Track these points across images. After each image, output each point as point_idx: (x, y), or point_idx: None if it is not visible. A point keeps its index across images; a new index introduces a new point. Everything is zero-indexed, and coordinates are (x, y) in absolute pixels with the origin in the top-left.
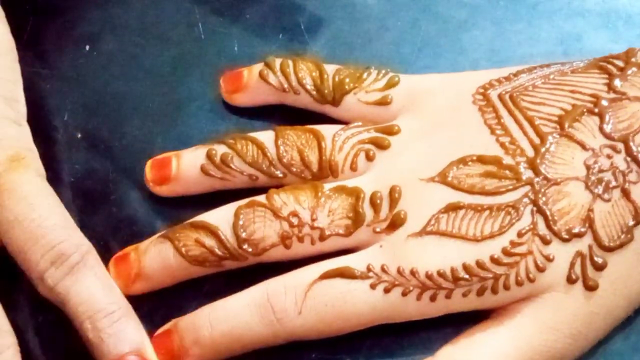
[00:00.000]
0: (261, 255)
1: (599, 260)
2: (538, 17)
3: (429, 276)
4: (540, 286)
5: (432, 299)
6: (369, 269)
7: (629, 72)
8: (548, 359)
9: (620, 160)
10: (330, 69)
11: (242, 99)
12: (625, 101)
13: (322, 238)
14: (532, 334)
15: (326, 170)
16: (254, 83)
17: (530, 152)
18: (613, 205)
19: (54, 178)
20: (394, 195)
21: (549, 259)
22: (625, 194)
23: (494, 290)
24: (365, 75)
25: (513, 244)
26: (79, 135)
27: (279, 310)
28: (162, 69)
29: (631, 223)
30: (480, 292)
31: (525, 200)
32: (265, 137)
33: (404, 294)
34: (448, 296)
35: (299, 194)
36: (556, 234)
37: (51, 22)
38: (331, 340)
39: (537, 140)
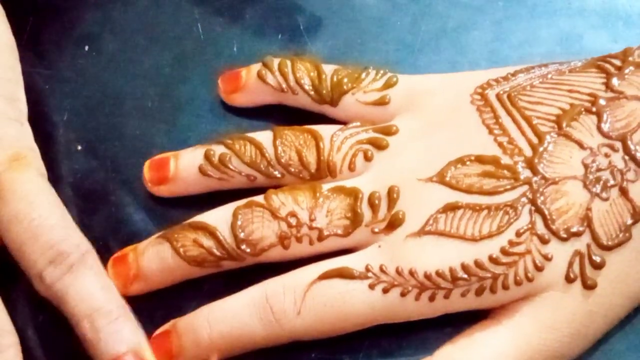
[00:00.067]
0: (259, 255)
1: (598, 259)
2: (538, 17)
3: (427, 276)
4: (539, 285)
5: (431, 299)
6: (367, 269)
7: (627, 71)
8: (547, 358)
9: (618, 159)
10: (328, 69)
11: (240, 99)
12: (622, 100)
13: (321, 238)
14: (531, 333)
15: (324, 170)
16: (252, 83)
17: (528, 152)
18: (611, 204)
19: (53, 178)
20: (392, 196)
21: (547, 258)
22: (624, 192)
23: (493, 290)
24: (363, 75)
25: (511, 243)
26: (79, 136)
27: (278, 310)
28: (162, 69)
29: (629, 222)
30: (479, 292)
31: (524, 199)
32: (264, 137)
33: (403, 294)
34: (447, 296)
35: (297, 195)
36: (554, 233)
37: (51, 22)
38: (330, 340)
39: (535, 140)
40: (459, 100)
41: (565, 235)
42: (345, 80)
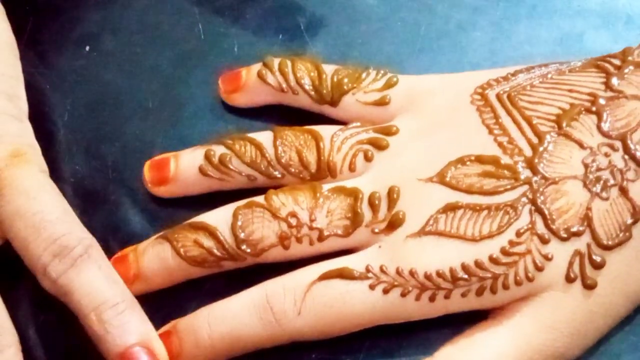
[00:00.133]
0: (260, 255)
1: (598, 259)
2: (538, 17)
3: (427, 276)
4: (539, 285)
5: (431, 299)
6: (367, 270)
7: (626, 70)
8: (548, 358)
9: (618, 159)
10: (328, 69)
11: (240, 99)
12: (622, 99)
13: (321, 239)
14: (531, 333)
15: (324, 170)
16: (252, 83)
17: (528, 152)
18: (611, 204)
19: (54, 178)
20: (392, 196)
21: (547, 258)
22: (624, 192)
23: (493, 290)
24: (363, 75)
25: (512, 243)
26: (79, 136)
27: (278, 311)
28: (162, 69)
29: (630, 221)
30: (479, 292)
31: (524, 199)
32: (264, 137)
33: (403, 295)
34: (447, 296)
35: (297, 195)
36: (555, 233)
37: (51, 22)
38: (331, 340)
39: (535, 140)
40: (459, 101)
41: (565, 235)
42: (346, 80)
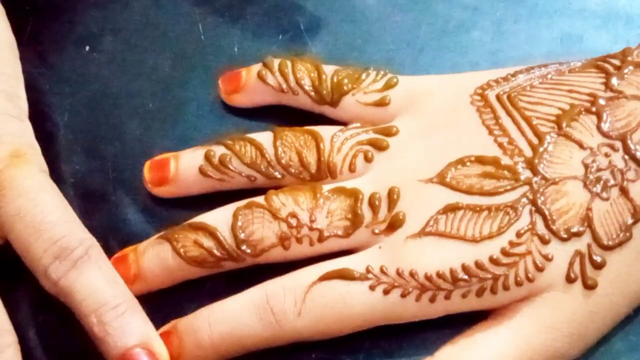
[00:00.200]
0: (260, 256)
1: (598, 259)
2: (538, 17)
3: (428, 277)
4: (540, 286)
5: (432, 300)
6: (368, 271)
7: (626, 70)
8: (548, 359)
9: (618, 159)
10: (328, 69)
11: (240, 100)
12: (622, 100)
13: (321, 239)
14: (531, 333)
15: (325, 171)
16: (252, 83)
17: (528, 152)
18: (612, 204)
19: (54, 178)
20: (392, 197)
21: (547, 259)
22: (624, 192)
23: (493, 291)
24: (363, 76)
25: (512, 244)
26: (79, 136)
27: (278, 311)
28: (162, 69)
29: (630, 221)
30: (480, 293)
31: (524, 200)
32: (264, 138)
33: (403, 296)
34: (447, 297)
35: (297, 195)
36: (555, 234)
37: (51, 22)
38: (331, 340)
39: (535, 140)
40: (459, 101)
41: (565, 236)
42: (346, 80)
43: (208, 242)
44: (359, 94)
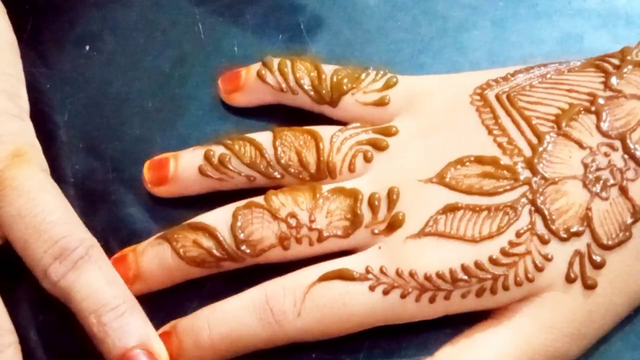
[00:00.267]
0: (259, 256)
1: (598, 259)
2: (538, 17)
3: (427, 278)
4: (539, 286)
5: (431, 300)
6: (367, 271)
7: (625, 70)
8: (548, 358)
9: (617, 158)
10: (328, 69)
11: (240, 99)
12: (621, 99)
13: (321, 239)
14: (531, 333)
15: (324, 171)
16: (251, 83)
17: (527, 152)
18: (611, 204)
19: (54, 177)
20: (392, 197)
21: (547, 259)
22: (623, 191)
23: (493, 291)
24: (363, 75)
25: (511, 244)
26: (79, 135)
27: (278, 312)
28: (162, 69)
29: (629, 221)
30: (479, 293)
31: (523, 200)
32: (263, 138)
33: (403, 296)
34: (447, 297)
35: (297, 195)
36: (554, 233)
37: (51, 22)
38: (331, 340)
39: (534, 140)
40: (459, 101)
41: (565, 235)
42: (345, 80)
43: (207, 242)
44: (358, 93)
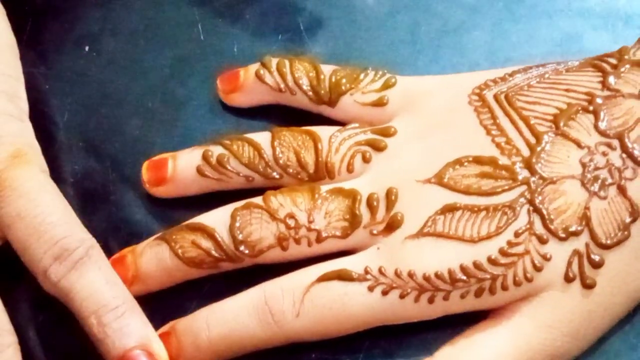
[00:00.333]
0: (258, 257)
1: (596, 258)
2: (538, 17)
3: (426, 278)
4: (538, 285)
5: (430, 300)
6: (366, 271)
7: (623, 69)
8: (547, 358)
9: (615, 157)
10: (327, 69)
11: (238, 99)
12: (619, 98)
13: (319, 240)
14: (530, 333)
15: (322, 171)
16: (250, 83)
17: (525, 152)
18: (609, 203)
19: (54, 178)
20: (390, 197)
21: (546, 258)
22: (622, 191)
23: (492, 291)
24: (362, 76)
25: (510, 244)
26: (79, 136)
27: (277, 312)
28: (162, 69)
29: (628, 220)
30: (478, 293)
31: (522, 200)
32: (262, 138)
33: (402, 296)
34: (446, 298)
35: (295, 196)
36: (553, 233)
37: (51, 22)
38: (331, 340)
39: (532, 140)
40: (457, 102)
41: (563, 235)
42: (344, 80)
43: (206, 243)
44: (357, 94)
